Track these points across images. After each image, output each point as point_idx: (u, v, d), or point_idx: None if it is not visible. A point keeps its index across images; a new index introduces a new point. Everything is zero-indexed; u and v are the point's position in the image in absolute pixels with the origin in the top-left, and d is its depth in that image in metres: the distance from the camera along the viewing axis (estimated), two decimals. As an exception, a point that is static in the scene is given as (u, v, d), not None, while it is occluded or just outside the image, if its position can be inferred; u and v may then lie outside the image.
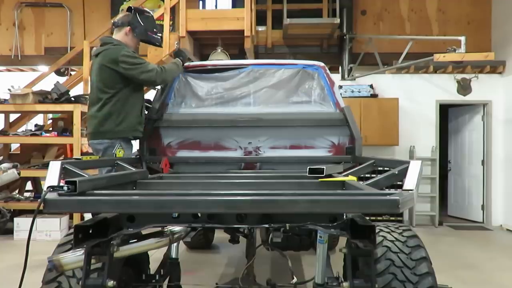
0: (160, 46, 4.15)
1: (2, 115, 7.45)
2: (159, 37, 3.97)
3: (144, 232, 2.11)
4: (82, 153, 6.08)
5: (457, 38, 6.11)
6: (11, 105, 6.50)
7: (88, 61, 6.40)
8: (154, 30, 3.90)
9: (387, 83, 8.22)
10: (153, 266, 2.73)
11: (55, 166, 2.05)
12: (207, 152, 3.88)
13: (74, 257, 1.98)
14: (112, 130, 3.60)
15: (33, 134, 6.71)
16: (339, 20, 7.75)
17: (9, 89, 6.54)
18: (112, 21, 3.92)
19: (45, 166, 5.96)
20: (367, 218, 2.09)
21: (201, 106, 3.97)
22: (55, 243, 2.42)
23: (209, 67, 4.13)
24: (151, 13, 3.97)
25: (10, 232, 6.53)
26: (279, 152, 3.86)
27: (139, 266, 2.55)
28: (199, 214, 1.94)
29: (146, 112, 3.92)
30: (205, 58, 7.44)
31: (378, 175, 2.26)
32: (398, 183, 2.14)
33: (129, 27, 3.75)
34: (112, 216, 1.93)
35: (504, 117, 8.01)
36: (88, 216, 4.39)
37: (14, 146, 7.84)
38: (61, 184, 1.84)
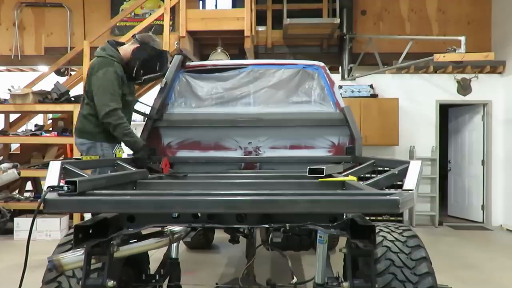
0: (139, 84, 3.87)
1: (2, 115, 7.45)
2: (144, 78, 3.70)
3: (144, 232, 2.11)
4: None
5: (457, 38, 6.11)
6: (11, 105, 6.50)
7: (88, 61, 6.39)
8: (148, 70, 3.66)
9: (387, 83, 8.22)
10: (153, 266, 2.72)
11: (55, 166, 2.05)
12: (207, 152, 3.89)
13: (74, 257, 1.97)
14: (91, 132, 3.59)
15: (33, 134, 6.71)
16: (339, 20, 7.76)
17: (9, 89, 6.54)
18: (135, 34, 3.83)
19: (45, 166, 5.96)
20: (367, 218, 2.09)
21: (201, 106, 3.98)
22: (55, 243, 2.42)
23: (209, 67, 4.13)
24: (167, 59, 3.78)
25: (10, 232, 6.53)
26: (279, 152, 3.86)
27: (139, 266, 2.54)
28: (199, 214, 1.94)
29: (147, 113, 3.92)
30: (205, 58, 7.45)
31: (378, 175, 2.26)
32: (398, 183, 2.14)
33: (138, 45, 3.60)
34: (112, 216, 1.93)
35: (504, 117, 8.01)
36: (88, 216, 4.40)
37: (14, 146, 7.84)
38: (61, 184, 1.84)
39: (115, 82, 3.48)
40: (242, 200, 1.68)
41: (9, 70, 9.39)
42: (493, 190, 8.12)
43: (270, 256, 4.96)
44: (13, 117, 7.65)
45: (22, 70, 9.38)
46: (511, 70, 7.83)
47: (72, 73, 8.71)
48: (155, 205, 1.70)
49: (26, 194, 7.30)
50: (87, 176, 2.12)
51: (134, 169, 2.88)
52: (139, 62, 3.59)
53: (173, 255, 2.84)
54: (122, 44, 3.77)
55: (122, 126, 3.49)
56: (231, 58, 6.96)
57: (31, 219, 3.77)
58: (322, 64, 4.05)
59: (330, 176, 2.59)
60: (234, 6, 8.41)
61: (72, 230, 1.99)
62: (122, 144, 3.70)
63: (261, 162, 3.85)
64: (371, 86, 8.06)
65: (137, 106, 4.02)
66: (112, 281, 1.92)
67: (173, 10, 7.04)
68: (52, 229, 6.36)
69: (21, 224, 6.43)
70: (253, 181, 2.77)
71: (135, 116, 4.02)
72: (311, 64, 4.04)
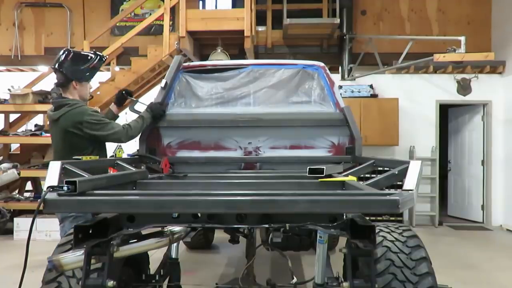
0: (101, 60, 3.55)
1: (2, 115, 7.45)
2: (97, 57, 3.49)
3: (144, 232, 2.11)
4: (82, 153, 6.08)
5: (457, 38, 6.11)
6: (11, 105, 6.50)
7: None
8: (88, 57, 3.46)
9: (387, 83, 8.23)
10: (153, 266, 2.73)
11: (55, 166, 2.05)
12: (207, 152, 3.88)
13: (74, 257, 1.97)
14: None
15: (33, 134, 6.71)
16: (339, 20, 7.76)
17: (9, 89, 6.54)
18: (54, 83, 3.55)
19: (45, 166, 5.95)
20: (367, 218, 2.09)
21: (201, 106, 3.97)
22: (55, 243, 2.42)
23: (209, 67, 4.13)
24: (70, 50, 3.52)
25: (10, 232, 6.54)
26: (279, 152, 3.86)
27: (139, 266, 2.55)
28: (199, 214, 1.94)
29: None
30: (205, 58, 7.45)
31: (378, 175, 2.26)
32: (398, 183, 2.14)
33: (73, 80, 3.37)
34: (112, 216, 1.93)
35: (504, 117, 8.01)
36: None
37: (14, 146, 7.84)
38: (61, 184, 1.84)
39: (98, 113, 3.49)
40: (242, 200, 1.68)
41: (9, 70, 9.39)
42: (493, 190, 8.12)
43: (270, 256, 4.96)
44: (13, 117, 7.65)
45: (22, 70, 9.38)
46: (511, 70, 7.83)
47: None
48: (155, 205, 1.70)
49: (26, 194, 7.30)
50: (87, 176, 2.12)
51: (134, 169, 2.88)
52: (84, 74, 3.44)
53: (173, 255, 2.84)
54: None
55: (133, 128, 3.54)
56: (231, 58, 6.97)
57: (31, 219, 3.76)
58: (322, 64, 4.05)
59: (330, 176, 2.58)
60: (234, 6, 8.41)
61: (72, 230, 1.99)
62: (122, 145, 3.69)
63: (261, 162, 3.84)
64: (371, 86, 8.07)
65: (137, 106, 4.02)
66: (112, 281, 1.92)
67: (173, 10, 7.05)
68: (52, 229, 6.35)
69: (21, 224, 6.43)
70: (253, 181, 2.77)
71: (135, 116, 4.02)
72: (311, 64, 4.04)
